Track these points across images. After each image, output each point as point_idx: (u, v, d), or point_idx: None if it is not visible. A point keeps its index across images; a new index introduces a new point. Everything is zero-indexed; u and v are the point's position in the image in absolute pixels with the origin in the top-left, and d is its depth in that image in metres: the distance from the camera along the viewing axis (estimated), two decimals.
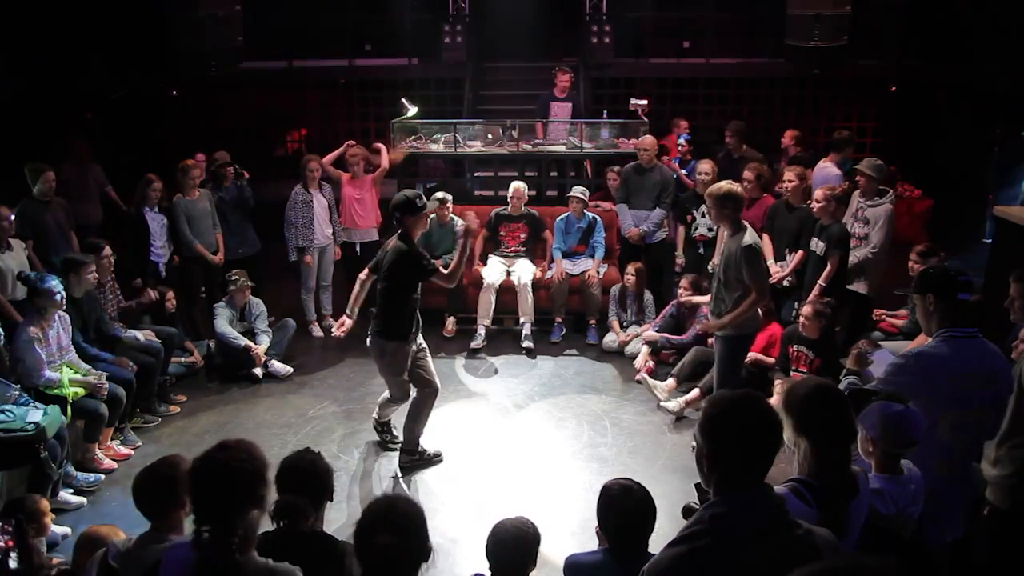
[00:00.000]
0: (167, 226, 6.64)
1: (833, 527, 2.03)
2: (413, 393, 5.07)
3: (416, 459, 5.11)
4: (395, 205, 4.81)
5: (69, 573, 3.20)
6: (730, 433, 1.86)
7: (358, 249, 7.32)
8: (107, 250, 5.77)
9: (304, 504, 2.75)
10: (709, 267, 6.42)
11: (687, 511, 4.30)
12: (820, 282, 5.62)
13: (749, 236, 4.66)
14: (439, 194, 7.14)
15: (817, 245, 5.77)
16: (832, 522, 2.08)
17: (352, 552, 2.11)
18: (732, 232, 4.72)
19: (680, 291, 6.63)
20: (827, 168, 6.87)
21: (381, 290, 4.89)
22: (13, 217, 5.66)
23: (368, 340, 4.92)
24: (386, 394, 5.18)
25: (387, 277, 4.83)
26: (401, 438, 5.21)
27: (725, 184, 4.74)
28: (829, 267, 5.61)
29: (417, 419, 5.07)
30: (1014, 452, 3.10)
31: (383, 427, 5.39)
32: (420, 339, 5.07)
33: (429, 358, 5.13)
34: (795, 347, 5.43)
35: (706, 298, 5.92)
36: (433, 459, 5.19)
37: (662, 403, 5.82)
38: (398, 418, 5.29)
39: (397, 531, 2.07)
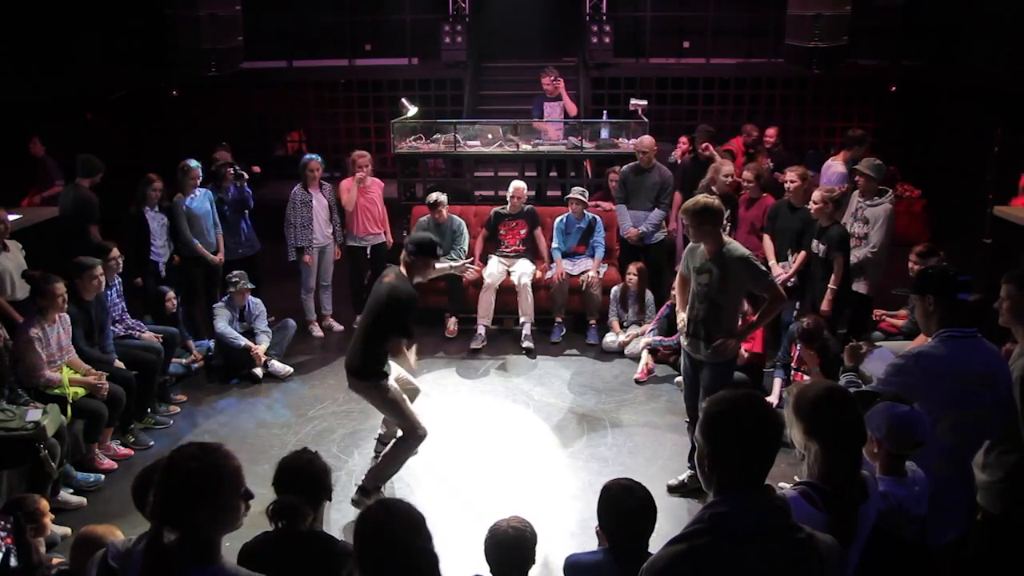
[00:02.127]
0: (167, 226, 6.64)
1: (843, 531, 2.02)
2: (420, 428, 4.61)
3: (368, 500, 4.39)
4: (414, 240, 4.60)
5: (69, 573, 3.20)
6: (730, 433, 1.85)
7: (368, 252, 7.29)
8: (114, 251, 5.72)
9: (302, 504, 2.75)
10: None
11: None
12: (831, 285, 5.62)
13: (737, 247, 4.38)
14: (434, 195, 7.12)
15: (818, 247, 5.76)
16: (842, 526, 2.06)
17: (353, 555, 2.08)
18: (715, 249, 4.33)
19: (672, 293, 6.58)
20: (833, 166, 6.85)
21: (364, 325, 4.56)
22: (11, 218, 5.67)
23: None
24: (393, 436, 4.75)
25: (374, 313, 4.47)
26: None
27: (701, 198, 4.38)
28: (836, 269, 5.62)
29: (392, 463, 4.62)
30: (1002, 457, 3.10)
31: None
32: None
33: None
34: (796, 348, 5.42)
35: None
36: None
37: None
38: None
39: (406, 539, 2.04)
